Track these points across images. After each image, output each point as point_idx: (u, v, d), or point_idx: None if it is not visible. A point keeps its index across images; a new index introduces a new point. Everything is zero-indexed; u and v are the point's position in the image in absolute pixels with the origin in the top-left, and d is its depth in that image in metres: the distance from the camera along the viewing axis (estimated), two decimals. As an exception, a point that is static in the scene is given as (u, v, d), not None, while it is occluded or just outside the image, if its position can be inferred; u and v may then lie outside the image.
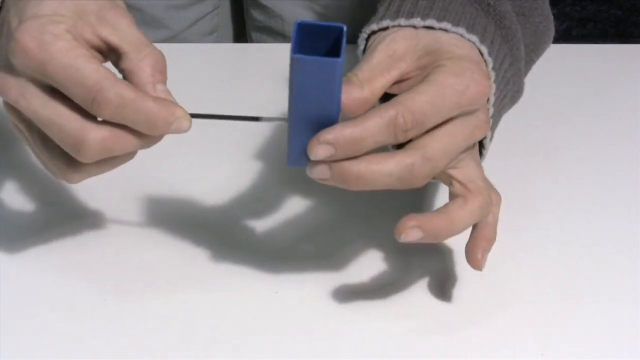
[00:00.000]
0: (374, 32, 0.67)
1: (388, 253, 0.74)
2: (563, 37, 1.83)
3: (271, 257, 0.74)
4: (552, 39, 0.78)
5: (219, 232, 0.76)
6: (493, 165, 0.73)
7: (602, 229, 0.76)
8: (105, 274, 0.72)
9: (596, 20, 1.92)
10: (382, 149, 0.63)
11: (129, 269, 0.73)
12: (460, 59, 0.64)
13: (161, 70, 0.64)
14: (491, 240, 0.67)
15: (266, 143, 0.82)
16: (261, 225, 0.77)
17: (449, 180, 0.65)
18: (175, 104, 0.62)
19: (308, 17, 0.99)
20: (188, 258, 0.73)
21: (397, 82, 0.64)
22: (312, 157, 0.61)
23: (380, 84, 0.64)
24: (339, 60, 0.59)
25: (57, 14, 0.63)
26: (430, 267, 0.72)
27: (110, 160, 0.64)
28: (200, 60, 0.92)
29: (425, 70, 0.64)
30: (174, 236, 0.75)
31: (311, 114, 0.63)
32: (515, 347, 0.67)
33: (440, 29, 0.66)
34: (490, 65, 0.67)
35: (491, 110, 0.68)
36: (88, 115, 0.62)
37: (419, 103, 0.61)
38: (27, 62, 0.61)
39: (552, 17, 0.76)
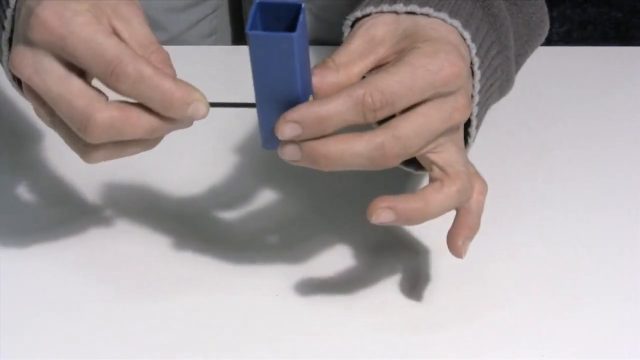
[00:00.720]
0: (358, 20, 0.67)
1: (362, 247, 0.74)
2: (563, 39, 1.83)
3: (237, 249, 0.74)
4: (546, 32, 0.78)
5: (192, 225, 0.77)
6: (492, 165, 0.74)
7: (596, 229, 0.77)
8: (99, 276, 0.73)
9: (596, 23, 1.90)
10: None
11: (115, 272, 0.73)
12: (436, 41, 0.64)
13: (169, 66, 0.64)
14: (473, 228, 0.66)
15: (248, 132, 0.83)
16: (230, 216, 0.77)
17: (429, 165, 0.65)
18: (195, 87, 0.62)
19: (306, 19, 0.98)
20: (159, 252, 0.74)
21: (376, 67, 0.65)
22: (280, 137, 0.61)
23: (358, 68, 0.64)
24: (293, 34, 0.59)
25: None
26: (415, 265, 0.72)
27: (121, 145, 0.64)
28: (200, 62, 0.92)
29: (401, 53, 0.64)
30: (147, 229, 0.76)
31: (276, 94, 0.62)
32: (490, 349, 0.67)
33: (422, 14, 0.66)
34: (474, 51, 0.67)
35: (476, 98, 0.68)
36: (100, 95, 0.62)
37: (389, 82, 0.61)
38: (47, 36, 0.61)
39: (546, 9, 0.77)
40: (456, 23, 0.66)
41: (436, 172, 0.64)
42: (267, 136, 0.63)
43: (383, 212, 0.63)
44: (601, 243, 0.75)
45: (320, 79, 0.63)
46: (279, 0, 0.61)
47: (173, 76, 0.63)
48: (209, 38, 1.03)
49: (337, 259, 0.73)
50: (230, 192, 0.79)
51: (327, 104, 0.60)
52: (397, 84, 0.61)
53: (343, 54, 0.64)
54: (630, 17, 1.86)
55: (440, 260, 0.71)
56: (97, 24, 0.63)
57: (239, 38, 1.07)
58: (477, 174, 0.67)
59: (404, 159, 0.62)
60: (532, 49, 0.77)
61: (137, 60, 0.61)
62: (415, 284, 0.71)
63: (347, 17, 0.68)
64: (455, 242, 0.66)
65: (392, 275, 0.72)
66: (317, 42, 0.96)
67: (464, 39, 0.67)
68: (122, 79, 0.61)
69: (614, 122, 0.87)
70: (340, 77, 0.63)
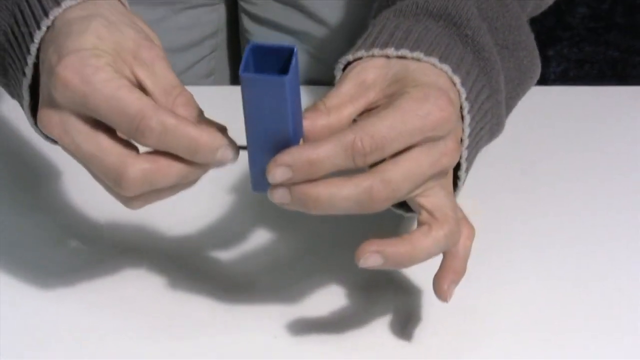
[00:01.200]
0: (349, 63, 0.68)
1: (354, 288, 0.74)
2: (560, 78, 1.84)
3: (230, 288, 0.74)
4: (538, 75, 0.78)
5: (187, 265, 0.77)
6: (484, 202, 0.76)
7: (588, 266, 0.77)
8: (95, 316, 0.72)
9: (593, 62, 1.91)
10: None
11: (111, 311, 0.73)
12: (425, 86, 0.64)
13: (195, 107, 0.64)
14: (459, 272, 0.67)
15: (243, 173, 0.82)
16: (225, 257, 0.77)
17: (418, 209, 0.65)
18: (222, 133, 0.63)
19: (302, 59, 0.98)
20: (153, 293, 0.74)
21: (367, 110, 0.65)
22: (271, 180, 0.61)
23: (348, 111, 0.64)
24: (285, 78, 0.59)
25: (97, 48, 0.63)
26: (406, 305, 0.73)
27: (156, 193, 0.64)
28: (198, 103, 0.92)
29: (392, 98, 0.64)
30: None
31: (267, 136, 0.62)
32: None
33: (413, 58, 0.66)
34: (464, 96, 0.67)
35: (466, 142, 0.68)
36: (129, 149, 0.63)
37: (379, 127, 0.61)
38: (70, 96, 0.62)
39: (537, 52, 0.76)
40: (446, 67, 0.66)
41: (424, 216, 0.64)
42: (257, 179, 0.64)
43: (371, 256, 0.63)
44: (594, 280, 0.75)
45: (311, 122, 0.63)
46: (272, 43, 0.61)
47: (199, 121, 0.63)
48: (208, 78, 1.04)
49: (330, 299, 0.73)
50: (225, 232, 0.79)
51: (317, 148, 0.61)
52: (387, 128, 0.61)
53: (334, 97, 0.65)
54: (627, 56, 1.87)
55: (432, 300, 0.71)
56: (118, 78, 0.63)
57: (237, 78, 1.07)
58: (465, 218, 0.68)
59: (393, 203, 0.63)
60: (524, 92, 0.78)
61: (159, 113, 0.62)
62: (406, 324, 0.71)
63: (338, 60, 0.68)
64: (441, 285, 0.66)
65: (384, 315, 0.72)
66: (313, 82, 0.97)
67: (454, 84, 0.67)
68: (147, 135, 0.61)
69: (611, 161, 0.87)
70: (331, 120, 0.63)
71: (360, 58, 0.67)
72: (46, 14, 0.66)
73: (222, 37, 1.03)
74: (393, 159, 0.62)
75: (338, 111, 0.64)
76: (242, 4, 0.99)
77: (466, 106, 0.67)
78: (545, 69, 1.75)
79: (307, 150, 0.61)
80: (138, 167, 0.62)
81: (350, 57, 0.67)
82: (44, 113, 0.63)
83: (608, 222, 0.80)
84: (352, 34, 0.83)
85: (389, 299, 0.74)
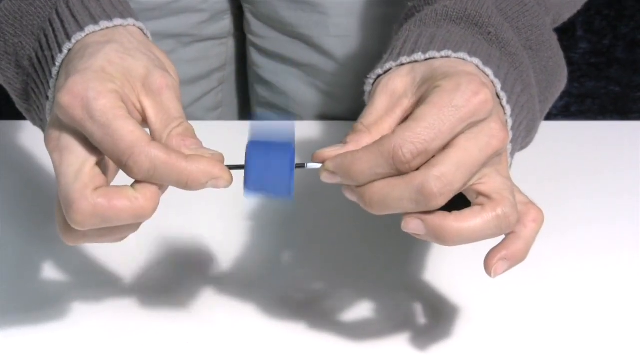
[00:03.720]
0: (379, 76, 0.67)
1: (352, 286, 0.75)
2: (562, 113, 1.83)
3: (229, 287, 0.75)
4: (566, 77, 0.76)
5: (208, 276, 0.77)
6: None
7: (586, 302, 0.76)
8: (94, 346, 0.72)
9: (595, 97, 1.91)
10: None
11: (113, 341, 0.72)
12: (455, 75, 0.63)
13: (191, 137, 0.64)
14: (516, 254, 0.64)
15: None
16: (251, 271, 0.77)
17: (474, 197, 0.63)
18: (214, 162, 0.63)
19: (311, 93, 1.00)
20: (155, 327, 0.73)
21: (405, 118, 0.63)
22: (322, 179, 0.62)
23: (388, 125, 0.63)
24: (286, 159, 0.61)
25: (104, 71, 0.63)
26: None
27: (106, 233, 0.63)
28: (204, 138, 0.92)
29: (424, 96, 0.63)
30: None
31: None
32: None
33: (442, 56, 0.66)
34: (499, 86, 0.65)
35: (510, 134, 0.66)
36: (95, 181, 0.62)
37: (418, 131, 0.60)
38: (69, 120, 0.62)
39: (562, 53, 0.75)
40: (476, 61, 0.65)
41: (480, 199, 0.62)
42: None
43: (413, 221, 0.61)
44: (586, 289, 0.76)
45: (355, 145, 0.62)
46: (271, 139, 0.62)
47: (195, 151, 0.63)
48: (215, 111, 1.05)
49: (329, 296, 0.74)
50: (225, 230, 0.80)
51: (356, 160, 0.60)
52: (425, 130, 0.60)
53: (370, 115, 0.64)
54: (629, 92, 1.88)
55: (433, 301, 0.72)
56: (117, 107, 0.62)
57: (244, 111, 1.09)
58: (530, 202, 0.65)
59: (450, 196, 0.61)
60: (553, 96, 0.76)
61: (150, 148, 0.61)
62: (405, 324, 0.72)
63: (368, 75, 0.67)
64: (490, 258, 0.63)
65: (385, 313, 0.73)
66: (323, 117, 0.98)
67: (487, 75, 0.66)
68: (135, 170, 0.60)
69: (613, 196, 0.87)
70: (374, 137, 0.62)
71: (389, 69, 0.66)
72: (69, 38, 0.66)
73: (230, 70, 1.04)
74: (442, 151, 0.61)
75: (378, 127, 0.63)
76: (250, 37, 1.00)
77: (504, 96, 0.66)
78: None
79: (346, 160, 0.61)
80: (91, 200, 0.61)
81: (379, 70, 0.67)
82: (48, 130, 0.64)
83: (606, 255, 0.80)
84: (359, 68, 0.85)
85: (390, 299, 0.74)
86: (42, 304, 0.75)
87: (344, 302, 0.74)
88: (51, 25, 0.68)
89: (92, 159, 0.62)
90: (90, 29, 0.66)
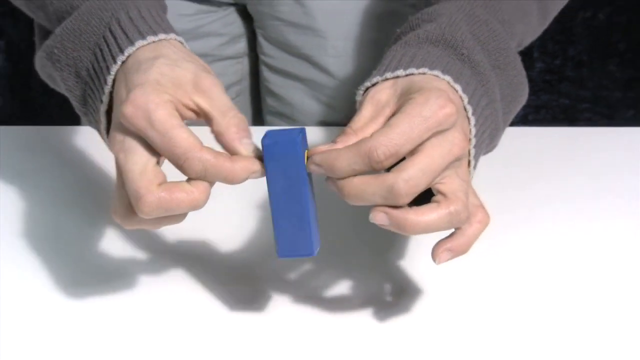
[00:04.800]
0: (367, 88, 0.68)
1: (352, 282, 0.72)
2: (521, 121, 1.84)
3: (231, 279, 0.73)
4: (527, 94, 0.76)
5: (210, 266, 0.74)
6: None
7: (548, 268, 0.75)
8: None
9: (548, 108, 1.93)
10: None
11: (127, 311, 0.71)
12: (426, 90, 0.63)
13: (244, 129, 0.64)
14: (459, 248, 0.65)
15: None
16: (225, 247, 0.76)
17: (436, 194, 0.63)
18: (251, 159, 0.63)
19: (313, 104, 1.00)
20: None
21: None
22: (310, 169, 0.63)
23: (372, 129, 0.64)
24: (296, 140, 0.61)
25: (158, 83, 0.64)
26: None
27: (164, 219, 0.64)
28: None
29: (401, 106, 0.64)
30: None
31: (286, 202, 0.63)
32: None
33: (419, 73, 0.66)
34: (466, 101, 0.66)
35: (473, 141, 0.67)
36: (158, 177, 0.63)
37: (391, 136, 0.61)
38: (132, 128, 0.62)
39: (525, 72, 0.75)
40: (448, 78, 0.66)
41: (438, 197, 0.63)
42: (282, 243, 0.65)
43: (379, 214, 0.62)
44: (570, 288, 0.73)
45: (342, 145, 0.63)
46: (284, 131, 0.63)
47: (241, 148, 0.63)
48: None
49: (329, 294, 0.72)
50: (227, 225, 0.78)
51: (338, 157, 0.62)
52: (398, 135, 0.61)
53: (358, 121, 0.65)
54: (576, 103, 1.91)
55: (431, 299, 0.70)
56: (173, 117, 0.63)
57: (256, 119, 1.08)
58: (481, 206, 0.66)
59: (415, 195, 0.62)
60: (516, 108, 0.76)
61: (201, 152, 0.62)
62: (404, 319, 0.70)
63: (359, 87, 0.68)
64: (438, 247, 0.64)
65: (385, 310, 0.70)
66: (323, 123, 0.97)
67: (456, 91, 0.66)
68: (189, 170, 0.62)
69: (563, 190, 0.86)
70: (359, 139, 0.64)
71: (376, 83, 0.67)
72: (122, 51, 0.66)
73: (245, 85, 1.04)
74: (410, 157, 0.62)
75: (363, 131, 0.64)
76: (262, 57, 1.00)
77: (469, 109, 0.66)
78: None
79: (330, 155, 0.62)
80: (156, 194, 0.62)
81: (368, 83, 0.67)
82: (112, 134, 0.64)
83: (557, 255, 0.77)
84: (354, 82, 0.83)
85: (388, 296, 0.72)
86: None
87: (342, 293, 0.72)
88: (105, 41, 0.68)
89: (153, 159, 0.63)
90: (139, 43, 0.66)
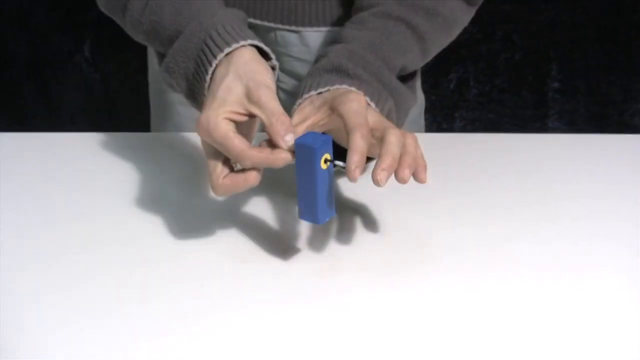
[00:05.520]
0: (299, 104, 0.74)
1: (351, 279, 0.69)
2: (461, 131, 1.91)
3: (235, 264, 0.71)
4: (413, 98, 0.81)
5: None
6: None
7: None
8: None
9: (479, 121, 1.94)
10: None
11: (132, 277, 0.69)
12: (342, 94, 0.70)
13: (286, 129, 0.67)
14: (388, 167, 0.65)
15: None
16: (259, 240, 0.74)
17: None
18: (285, 152, 0.66)
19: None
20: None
21: (314, 124, 0.72)
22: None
23: (301, 127, 0.71)
24: (315, 146, 0.65)
25: (225, 101, 0.68)
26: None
27: (238, 190, 0.69)
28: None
29: (329, 109, 0.71)
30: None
31: (304, 183, 0.66)
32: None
33: (325, 90, 0.72)
34: (363, 93, 0.72)
35: (372, 104, 0.73)
36: (226, 167, 0.68)
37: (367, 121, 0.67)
38: (202, 136, 0.68)
39: (400, 85, 0.79)
40: (344, 86, 0.72)
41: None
42: (301, 210, 0.68)
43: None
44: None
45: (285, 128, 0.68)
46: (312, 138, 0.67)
47: (284, 142, 0.66)
48: None
49: (328, 290, 0.69)
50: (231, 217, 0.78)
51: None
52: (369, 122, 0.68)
53: (295, 121, 0.71)
54: (500, 118, 1.94)
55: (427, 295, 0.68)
56: (228, 130, 0.66)
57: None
58: (391, 126, 0.69)
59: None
60: (405, 100, 0.80)
61: (250, 152, 0.66)
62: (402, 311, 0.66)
63: (296, 103, 0.74)
64: (373, 173, 0.65)
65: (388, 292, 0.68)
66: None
67: (351, 90, 0.72)
68: (244, 165, 0.67)
69: (558, 195, 0.83)
70: (297, 130, 0.70)
71: (306, 98, 0.73)
72: (210, 64, 0.71)
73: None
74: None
75: (297, 127, 0.70)
76: (277, 83, 0.92)
77: (367, 98, 0.72)
78: (453, 124, 1.92)
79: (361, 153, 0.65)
80: (223, 182, 0.67)
81: (300, 100, 0.73)
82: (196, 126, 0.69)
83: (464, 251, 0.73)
84: None
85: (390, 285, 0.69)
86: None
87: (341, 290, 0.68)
88: (203, 53, 0.72)
89: (221, 157, 0.68)
90: (220, 56, 0.71)
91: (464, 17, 0.86)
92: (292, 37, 0.98)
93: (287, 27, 0.96)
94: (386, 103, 0.76)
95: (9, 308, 0.64)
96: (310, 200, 0.67)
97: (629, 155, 0.90)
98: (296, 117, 0.72)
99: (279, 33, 0.98)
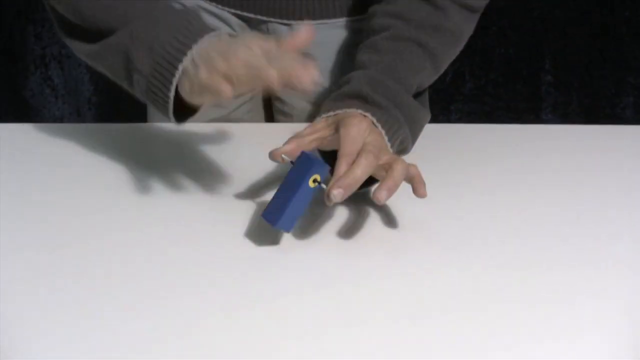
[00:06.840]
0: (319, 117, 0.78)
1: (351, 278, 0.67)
2: (457, 122, 1.92)
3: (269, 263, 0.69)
4: (426, 117, 0.83)
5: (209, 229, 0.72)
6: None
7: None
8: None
9: (475, 113, 1.95)
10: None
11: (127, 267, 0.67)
12: (351, 117, 0.73)
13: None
14: (391, 187, 0.68)
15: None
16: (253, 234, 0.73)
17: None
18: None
19: (308, 106, 1.03)
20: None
21: (323, 139, 0.76)
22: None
23: (309, 141, 0.74)
24: (314, 163, 0.68)
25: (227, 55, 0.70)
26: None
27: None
28: (242, 136, 0.92)
29: (334, 128, 0.74)
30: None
31: (285, 190, 0.68)
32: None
33: (341, 113, 0.76)
34: (375, 119, 0.75)
35: (386, 138, 0.76)
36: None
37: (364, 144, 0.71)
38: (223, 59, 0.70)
39: (420, 106, 0.82)
40: (360, 111, 0.75)
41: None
42: (268, 210, 0.69)
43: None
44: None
45: (299, 139, 0.73)
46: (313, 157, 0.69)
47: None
48: (248, 113, 1.09)
49: (328, 288, 0.66)
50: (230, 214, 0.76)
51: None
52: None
53: (306, 133, 0.75)
54: (495, 110, 1.96)
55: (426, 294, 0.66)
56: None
57: (269, 116, 1.12)
58: (397, 158, 0.71)
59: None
60: (419, 127, 0.82)
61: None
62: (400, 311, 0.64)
63: (317, 118, 0.77)
64: (375, 192, 0.68)
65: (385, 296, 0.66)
66: (314, 117, 0.88)
67: (366, 116, 0.74)
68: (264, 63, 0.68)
69: (486, 176, 0.84)
70: (304, 140, 0.74)
71: (319, 119, 0.77)
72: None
73: (258, 91, 0.98)
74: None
75: (304, 137, 0.74)
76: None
77: (378, 125, 0.76)
78: (449, 117, 1.92)
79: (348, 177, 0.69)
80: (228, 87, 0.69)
81: (318, 118, 0.77)
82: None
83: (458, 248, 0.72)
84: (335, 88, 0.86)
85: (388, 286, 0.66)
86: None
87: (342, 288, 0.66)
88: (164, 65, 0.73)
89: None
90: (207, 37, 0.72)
91: (470, 25, 0.88)
92: (283, 29, 1.00)
93: (278, 20, 0.99)
94: (400, 133, 0.78)
95: (8, 308, 0.62)
96: (281, 205, 0.68)
97: (620, 146, 0.91)
98: (308, 129, 0.76)
99: (270, 25, 1.00)
